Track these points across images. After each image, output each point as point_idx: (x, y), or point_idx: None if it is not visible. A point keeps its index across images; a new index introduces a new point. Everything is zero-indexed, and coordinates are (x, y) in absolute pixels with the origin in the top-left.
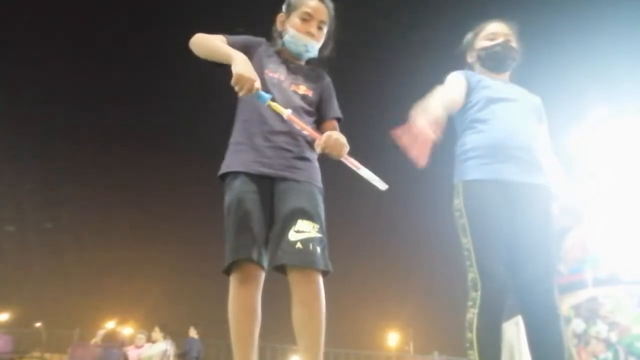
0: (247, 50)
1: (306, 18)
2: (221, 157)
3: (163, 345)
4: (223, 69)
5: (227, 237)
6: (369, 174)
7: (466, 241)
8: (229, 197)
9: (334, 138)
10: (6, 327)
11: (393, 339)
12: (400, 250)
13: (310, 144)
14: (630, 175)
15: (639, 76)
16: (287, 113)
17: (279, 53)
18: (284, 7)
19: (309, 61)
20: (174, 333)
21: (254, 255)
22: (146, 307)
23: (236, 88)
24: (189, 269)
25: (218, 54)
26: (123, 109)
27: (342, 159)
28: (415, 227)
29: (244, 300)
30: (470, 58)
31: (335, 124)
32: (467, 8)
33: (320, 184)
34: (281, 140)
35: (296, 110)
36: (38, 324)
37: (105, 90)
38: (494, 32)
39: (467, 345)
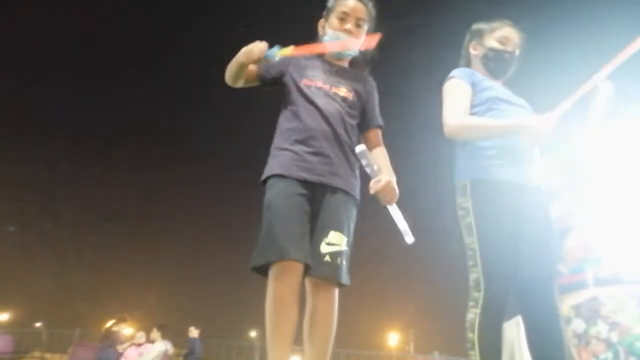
0: (282, 67)
1: (343, 17)
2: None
3: (162, 345)
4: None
5: (266, 234)
6: (404, 226)
7: (471, 241)
8: (270, 195)
9: (392, 187)
10: (6, 327)
11: (393, 339)
12: (401, 250)
13: (353, 151)
14: (632, 175)
15: (639, 76)
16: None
17: (319, 56)
18: (324, 13)
19: (353, 62)
20: (174, 333)
21: (299, 255)
22: (146, 307)
23: (255, 59)
24: (189, 270)
25: (233, 69)
26: (122, 110)
27: (388, 206)
28: (415, 226)
29: (286, 295)
30: (474, 50)
31: (378, 132)
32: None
33: (357, 196)
34: (322, 145)
35: (337, 114)
36: (38, 324)
37: (105, 90)
38: (507, 37)
39: (469, 345)
